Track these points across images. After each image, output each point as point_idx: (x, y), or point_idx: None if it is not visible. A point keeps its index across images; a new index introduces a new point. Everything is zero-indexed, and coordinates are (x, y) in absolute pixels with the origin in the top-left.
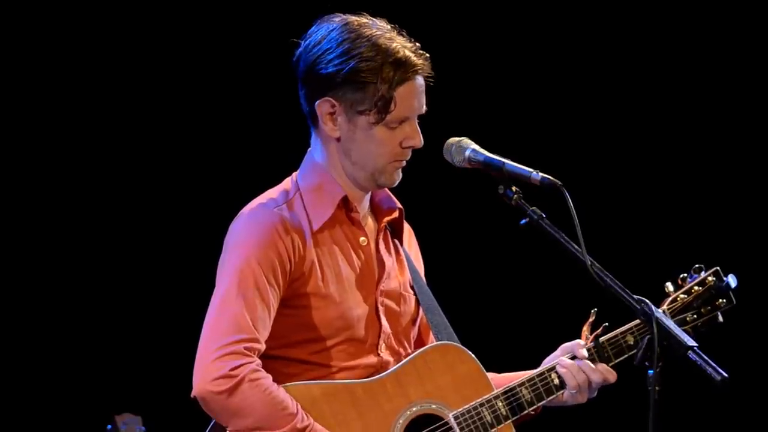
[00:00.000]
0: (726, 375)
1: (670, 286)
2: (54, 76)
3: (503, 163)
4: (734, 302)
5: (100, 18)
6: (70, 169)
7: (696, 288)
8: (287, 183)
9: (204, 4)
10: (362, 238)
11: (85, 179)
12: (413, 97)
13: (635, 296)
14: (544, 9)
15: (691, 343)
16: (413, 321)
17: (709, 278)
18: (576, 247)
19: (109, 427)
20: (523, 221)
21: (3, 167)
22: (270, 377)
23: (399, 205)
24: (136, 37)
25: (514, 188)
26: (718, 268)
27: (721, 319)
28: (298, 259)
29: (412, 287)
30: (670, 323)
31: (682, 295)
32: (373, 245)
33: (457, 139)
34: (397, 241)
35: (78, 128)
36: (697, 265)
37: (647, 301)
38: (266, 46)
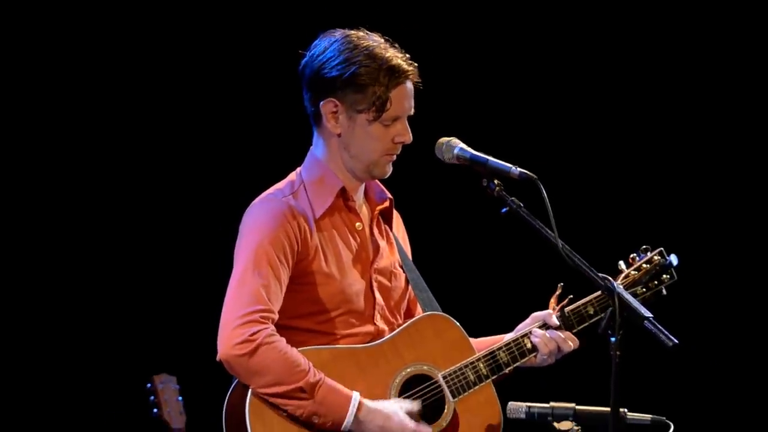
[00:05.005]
0: (677, 341)
1: (622, 264)
2: (56, 76)
3: (487, 159)
4: (676, 277)
5: (122, 19)
6: (101, 158)
7: (644, 266)
8: (292, 176)
9: (225, 21)
10: (358, 224)
11: (119, 169)
12: (404, 98)
13: (600, 274)
14: (521, 19)
15: (647, 314)
16: (403, 295)
17: (655, 257)
18: (549, 231)
19: (149, 385)
20: (504, 210)
21: (3, 167)
22: (284, 340)
23: (389, 195)
24: (148, 37)
25: (496, 181)
26: (662, 248)
27: (665, 292)
28: (304, 241)
29: (401, 266)
30: (629, 297)
31: (633, 272)
32: (367, 230)
33: (446, 138)
34: (387, 227)
35: (97, 125)
36: (644, 246)
37: (610, 278)
38: (270, 62)
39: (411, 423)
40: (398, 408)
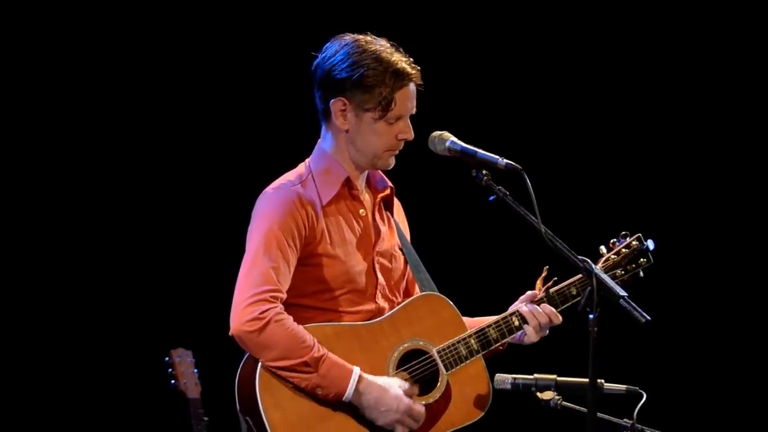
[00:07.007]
0: (649, 318)
1: (603, 249)
2: (57, 76)
3: (476, 151)
4: (652, 261)
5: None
6: (119, 141)
7: (623, 250)
8: (301, 167)
9: (237, 20)
10: (361, 210)
11: (135, 155)
12: (408, 99)
13: (579, 256)
14: (503, 17)
15: (623, 293)
16: (402, 275)
17: (633, 242)
18: (533, 217)
19: (167, 359)
20: (491, 198)
21: (4, 167)
22: (291, 318)
23: (390, 183)
24: (158, 34)
25: (484, 171)
26: (640, 234)
27: (642, 274)
28: (311, 226)
29: (401, 249)
30: (606, 278)
31: (613, 256)
32: (370, 216)
33: (439, 132)
34: (388, 213)
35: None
36: (623, 232)
37: (588, 260)
38: (278, 62)
39: (405, 398)
40: (394, 383)
